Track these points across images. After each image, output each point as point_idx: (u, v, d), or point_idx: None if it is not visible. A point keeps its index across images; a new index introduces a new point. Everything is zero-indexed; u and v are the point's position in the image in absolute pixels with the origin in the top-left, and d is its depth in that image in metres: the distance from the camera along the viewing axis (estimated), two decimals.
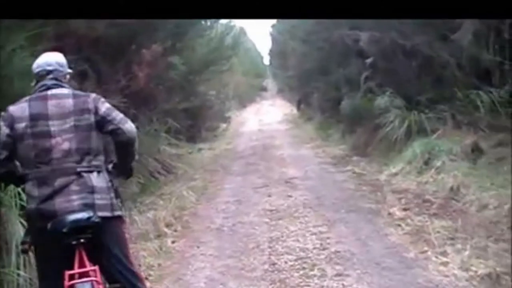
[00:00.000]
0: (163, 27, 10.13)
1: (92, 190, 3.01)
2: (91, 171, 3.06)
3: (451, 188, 6.39)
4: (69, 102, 3.10)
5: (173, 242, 5.85)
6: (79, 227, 2.89)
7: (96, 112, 3.12)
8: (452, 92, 8.13)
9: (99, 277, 2.92)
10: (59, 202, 2.95)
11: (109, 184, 3.15)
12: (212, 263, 5.09)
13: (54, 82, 3.18)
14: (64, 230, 2.87)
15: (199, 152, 13.78)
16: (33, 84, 3.30)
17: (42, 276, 3.14)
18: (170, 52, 11.17)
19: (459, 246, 4.81)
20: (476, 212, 5.65)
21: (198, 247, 5.67)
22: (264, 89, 46.27)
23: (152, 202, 7.59)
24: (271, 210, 6.88)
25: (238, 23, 19.30)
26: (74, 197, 2.96)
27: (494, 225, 5.20)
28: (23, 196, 4.50)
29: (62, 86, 3.19)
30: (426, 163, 7.58)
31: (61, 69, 3.27)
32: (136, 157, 3.41)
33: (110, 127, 3.13)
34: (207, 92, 17.19)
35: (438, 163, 7.29)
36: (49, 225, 2.90)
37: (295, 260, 4.94)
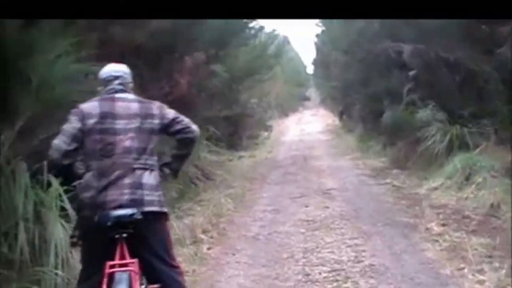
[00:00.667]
0: (206, 35, 10.25)
1: (141, 187, 3.26)
2: (145, 169, 3.32)
3: (491, 205, 6.29)
4: (135, 106, 3.42)
5: (208, 248, 5.90)
6: (122, 222, 3.12)
7: (162, 117, 3.46)
8: (495, 107, 8.00)
9: (137, 269, 3.13)
10: (111, 194, 3.19)
11: (159, 182, 3.39)
12: (246, 271, 5.12)
13: (121, 87, 3.48)
14: (109, 223, 3.10)
15: (239, 160, 13.84)
16: (99, 88, 3.59)
17: (85, 264, 3.39)
18: (213, 60, 11.29)
19: (496, 264, 4.70)
20: None
21: (233, 254, 5.71)
22: (307, 98, 46.22)
23: (189, 208, 7.66)
24: (307, 221, 6.87)
25: (282, 31, 19.34)
26: (126, 191, 3.22)
27: None
28: (64, 198, 4.65)
29: (127, 92, 3.50)
30: (467, 178, 7.47)
31: (126, 76, 3.58)
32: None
33: (179, 126, 3.50)
34: (249, 100, 17.28)
35: (479, 179, 7.17)
36: (96, 218, 3.14)
37: (329, 271, 4.92)
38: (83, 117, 3.34)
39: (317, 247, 5.70)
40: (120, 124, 3.33)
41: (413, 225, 6.26)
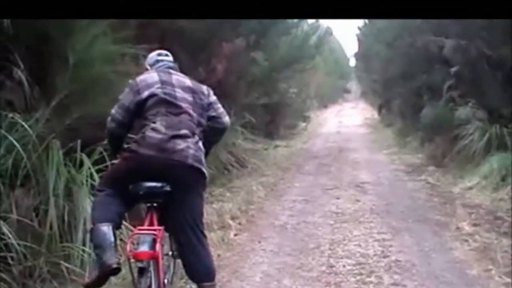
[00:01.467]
0: (247, 23, 10.24)
1: (200, 149, 3.53)
2: (200, 138, 3.59)
3: None
4: (188, 81, 3.73)
5: (235, 234, 5.92)
6: (152, 193, 3.40)
7: (208, 97, 3.76)
8: None
9: (161, 236, 3.35)
10: (179, 144, 3.41)
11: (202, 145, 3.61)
12: (271, 259, 5.13)
13: (172, 64, 3.88)
14: (141, 192, 3.39)
15: (274, 149, 13.85)
16: (148, 67, 3.94)
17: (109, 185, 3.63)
18: (254, 47, 11.27)
19: None
20: None
21: (259, 242, 5.72)
22: (347, 91, 45.92)
23: (220, 194, 7.73)
24: (337, 213, 6.84)
25: (325, 22, 19.17)
26: (192, 146, 3.46)
27: None
28: (95, 177, 4.73)
29: (177, 70, 3.85)
30: (503, 179, 7.32)
31: (171, 58, 3.96)
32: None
33: (213, 113, 3.78)
34: (288, 89, 17.22)
35: None
36: (131, 186, 3.41)
37: (354, 265, 4.88)
38: (138, 89, 3.58)
39: (344, 240, 5.67)
40: (179, 92, 3.59)
41: (444, 223, 6.16)
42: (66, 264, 4.26)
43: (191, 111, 3.57)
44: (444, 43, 9.27)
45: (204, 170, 3.52)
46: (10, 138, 4.09)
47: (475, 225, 5.98)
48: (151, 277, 3.29)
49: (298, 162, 11.74)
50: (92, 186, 4.74)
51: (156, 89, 3.54)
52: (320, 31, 17.98)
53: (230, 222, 6.34)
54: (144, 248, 3.21)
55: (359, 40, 25.09)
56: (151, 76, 3.65)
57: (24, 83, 4.52)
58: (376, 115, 23.45)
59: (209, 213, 6.46)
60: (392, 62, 14.07)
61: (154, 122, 3.45)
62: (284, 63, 14.04)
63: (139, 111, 3.56)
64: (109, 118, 3.71)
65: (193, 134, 3.52)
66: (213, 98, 3.82)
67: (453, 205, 6.91)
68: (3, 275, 3.77)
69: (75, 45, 4.72)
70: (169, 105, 3.52)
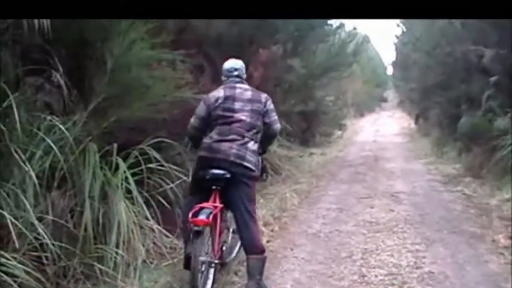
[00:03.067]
0: (284, 29, 10.26)
1: (246, 148, 4.47)
2: (251, 139, 4.54)
3: None
4: (249, 93, 4.69)
5: (268, 241, 5.91)
6: (215, 178, 4.41)
7: (265, 105, 4.67)
8: None
9: (218, 211, 4.33)
10: (223, 145, 4.44)
11: (258, 150, 4.61)
12: (302, 267, 5.13)
13: (238, 79, 4.82)
14: (207, 177, 4.42)
15: (309, 156, 13.80)
16: (224, 78, 4.91)
17: (193, 194, 4.68)
18: (291, 54, 11.28)
19: None
20: None
21: (291, 249, 5.72)
22: (384, 99, 45.49)
23: None
24: (370, 222, 6.79)
25: (363, 30, 19.08)
26: (235, 147, 4.44)
27: None
28: (131, 181, 4.80)
29: (243, 82, 4.83)
30: None
31: (242, 69, 4.93)
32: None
33: (267, 120, 4.68)
34: (325, 97, 17.15)
35: None
36: (201, 172, 4.49)
37: (386, 275, 4.85)
38: (209, 102, 4.65)
39: (377, 249, 5.63)
40: (237, 105, 4.59)
41: (480, 236, 6.06)
42: (100, 266, 4.33)
43: (244, 118, 4.54)
44: (483, 52, 9.12)
45: (247, 164, 4.42)
46: (48, 140, 4.17)
47: (511, 238, 5.86)
48: (206, 241, 4.30)
49: (332, 170, 11.68)
50: (127, 190, 4.81)
51: (219, 104, 4.60)
52: (357, 39, 17.89)
53: (263, 228, 6.31)
54: (201, 217, 4.12)
55: (397, 48, 24.93)
56: (218, 92, 4.70)
57: (63, 87, 4.61)
58: (413, 125, 23.18)
59: None
60: (430, 71, 13.92)
61: (211, 131, 4.59)
62: (321, 70, 14.01)
63: (208, 120, 4.64)
64: (189, 125, 4.82)
65: (243, 137, 4.49)
66: (270, 106, 4.72)
67: (489, 217, 6.78)
68: (38, 275, 3.83)
69: (113, 49, 4.80)
70: (225, 117, 4.55)
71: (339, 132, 20.06)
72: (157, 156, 5.22)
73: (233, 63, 4.91)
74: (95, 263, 4.34)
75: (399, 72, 26.56)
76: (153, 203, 5.20)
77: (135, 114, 5.10)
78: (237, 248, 5.07)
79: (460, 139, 11.81)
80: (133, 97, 5.14)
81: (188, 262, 4.15)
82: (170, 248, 5.28)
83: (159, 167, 5.27)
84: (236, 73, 4.84)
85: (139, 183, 5.07)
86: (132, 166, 4.98)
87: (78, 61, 4.93)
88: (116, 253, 4.44)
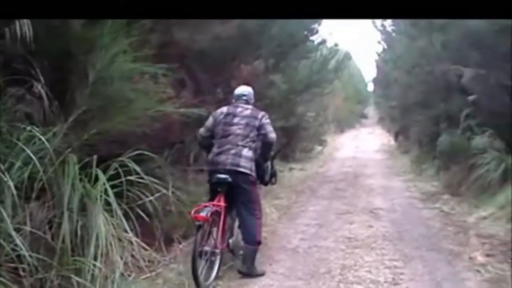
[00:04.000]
0: (267, 45, 10.31)
1: (240, 156, 5.36)
2: (244, 146, 5.42)
3: None
4: (247, 111, 5.63)
5: None
6: (219, 182, 5.33)
7: (260, 120, 5.52)
8: None
9: (222, 209, 5.26)
10: (221, 158, 5.40)
11: (253, 156, 5.46)
12: (281, 282, 5.14)
13: (243, 102, 5.74)
14: (213, 181, 5.37)
15: (289, 172, 13.82)
16: (233, 101, 5.85)
17: (210, 194, 5.55)
18: (273, 70, 11.32)
19: None
20: None
21: (270, 264, 5.73)
22: (364, 116, 45.83)
23: None
24: (349, 238, 6.82)
25: (345, 47, 19.21)
26: (230, 157, 5.36)
27: None
28: (110, 193, 4.76)
29: (248, 104, 5.76)
30: None
31: (250, 95, 5.86)
32: (272, 153, 6.10)
33: (263, 132, 5.51)
34: (306, 113, 17.20)
35: None
36: (208, 178, 5.52)
37: None
38: (215, 117, 5.69)
39: (355, 265, 5.65)
40: (236, 119, 5.54)
41: (457, 253, 6.11)
42: (77, 278, 4.27)
43: (239, 131, 5.46)
44: (462, 72, 9.24)
45: (241, 169, 5.31)
46: (27, 151, 4.12)
47: (488, 255, 5.92)
48: (209, 234, 5.19)
49: (312, 186, 11.72)
50: (107, 202, 4.77)
51: (222, 119, 5.61)
52: (339, 55, 18.01)
53: None
54: (202, 214, 4.95)
55: (378, 65, 25.14)
56: (223, 109, 5.72)
57: (44, 98, 4.57)
58: (392, 142, 23.39)
59: None
60: (410, 89, 14.05)
61: (214, 145, 5.54)
62: (302, 86, 14.03)
63: (213, 133, 5.62)
64: (198, 135, 5.87)
65: (237, 145, 5.39)
66: (265, 121, 5.55)
67: (467, 235, 6.85)
68: (14, 287, 3.78)
69: (96, 62, 4.78)
70: (224, 130, 5.52)
71: (319, 148, 20.13)
72: (137, 168, 5.19)
73: (243, 90, 5.91)
74: (72, 276, 4.27)
75: (379, 89, 26.79)
76: (132, 215, 5.16)
77: (116, 127, 5.08)
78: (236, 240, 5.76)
79: (439, 157, 11.93)
80: (114, 110, 5.11)
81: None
82: (149, 261, 5.25)
83: (139, 180, 5.25)
84: (244, 98, 5.79)
85: (118, 195, 5.03)
86: (112, 178, 4.93)
87: (60, 72, 4.89)
88: (94, 265, 4.37)
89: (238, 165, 5.29)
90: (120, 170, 4.96)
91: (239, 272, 5.30)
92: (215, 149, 5.47)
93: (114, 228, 4.77)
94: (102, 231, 4.56)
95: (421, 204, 9.39)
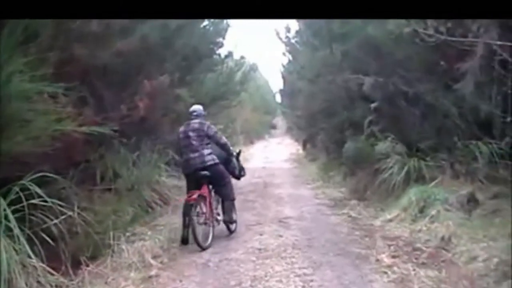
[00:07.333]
0: (171, 59, 10.23)
1: (203, 155, 7.43)
2: (203, 148, 7.44)
3: (442, 238, 6.29)
4: (196, 125, 7.58)
5: (156, 275, 5.81)
6: (202, 176, 7.40)
7: (206, 130, 7.55)
8: (453, 141, 8.06)
9: (207, 193, 7.49)
10: (192, 160, 7.43)
11: (211, 151, 7.52)
12: None
13: (196, 119, 7.70)
14: (199, 176, 7.43)
15: None
16: (190, 117, 7.80)
17: (187, 189, 7.54)
18: (179, 84, 11.23)
19: None
20: (464, 264, 5.51)
21: (180, 280, 5.65)
22: (273, 127, 46.43)
23: (142, 233, 7.58)
24: (259, 249, 6.81)
25: (251, 59, 19.37)
26: (197, 159, 7.40)
27: (480, 278, 5.06)
28: (11, 218, 4.54)
29: (198, 119, 7.70)
30: (421, 211, 7.46)
31: (200, 112, 7.89)
32: (231, 151, 8.24)
33: (214, 140, 7.64)
34: (215, 126, 17.15)
35: (433, 212, 7.15)
36: (188, 175, 7.58)
37: None
38: (179, 134, 7.65)
39: (266, 276, 5.63)
40: (191, 134, 7.50)
41: (364, 256, 6.23)
42: None
43: (194, 142, 7.43)
44: (363, 80, 9.50)
45: (207, 163, 7.42)
46: None
47: (394, 256, 6.07)
48: (199, 209, 7.24)
49: None
50: (8, 228, 4.55)
51: (181, 135, 7.58)
52: (245, 67, 18.16)
53: (152, 261, 6.24)
54: (193, 196, 7.08)
55: (283, 76, 25.52)
56: (182, 128, 7.65)
57: None
58: (301, 150, 23.76)
59: (130, 252, 6.33)
60: (314, 99, 14.31)
61: (183, 153, 7.57)
62: (209, 99, 14.02)
63: (180, 145, 7.61)
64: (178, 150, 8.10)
65: (197, 151, 7.41)
66: (212, 130, 7.64)
67: (373, 238, 7.01)
68: None
69: None
70: (186, 142, 7.50)
71: None
72: (40, 191, 5.00)
73: (195, 108, 7.92)
74: None
75: (286, 100, 27.22)
76: (36, 240, 4.95)
77: (16, 148, 4.85)
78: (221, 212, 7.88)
79: (345, 163, 12.21)
80: (12, 130, 4.89)
81: (184, 223, 7.02)
82: (56, 286, 5.04)
83: (42, 203, 5.05)
84: (195, 114, 7.79)
85: (21, 220, 4.82)
86: (13, 203, 4.74)
87: None
88: None
89: (204, 162, 7.39)
90: (21, 193, 4.76)
91: (224, 221, 7.76)
92: (184, 156, 7.52)
93: (17, 254, 4.58)
94: (4, 258, 4.35)
95: (329, 211, 9.54)
